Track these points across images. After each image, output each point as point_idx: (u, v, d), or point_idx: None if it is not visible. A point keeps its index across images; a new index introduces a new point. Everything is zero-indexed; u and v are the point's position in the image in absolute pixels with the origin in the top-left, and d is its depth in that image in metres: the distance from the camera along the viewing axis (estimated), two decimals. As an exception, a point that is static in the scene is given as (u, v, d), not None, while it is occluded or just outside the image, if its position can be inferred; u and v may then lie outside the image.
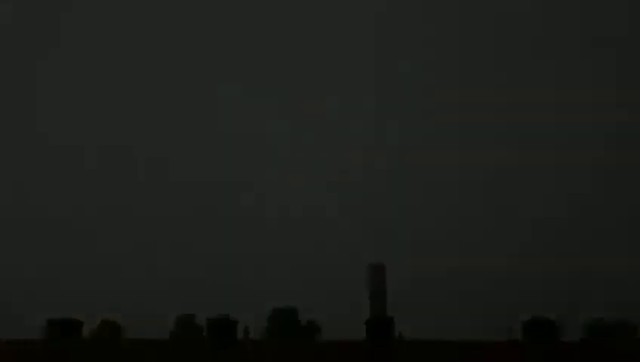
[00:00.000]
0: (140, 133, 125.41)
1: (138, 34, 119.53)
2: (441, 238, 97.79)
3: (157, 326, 55.44)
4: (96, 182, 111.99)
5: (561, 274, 77.23)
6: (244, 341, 26.08)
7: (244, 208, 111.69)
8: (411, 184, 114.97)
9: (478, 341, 23.33)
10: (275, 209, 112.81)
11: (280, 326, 62.35)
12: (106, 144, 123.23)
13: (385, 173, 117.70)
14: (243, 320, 25.91)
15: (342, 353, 22.46)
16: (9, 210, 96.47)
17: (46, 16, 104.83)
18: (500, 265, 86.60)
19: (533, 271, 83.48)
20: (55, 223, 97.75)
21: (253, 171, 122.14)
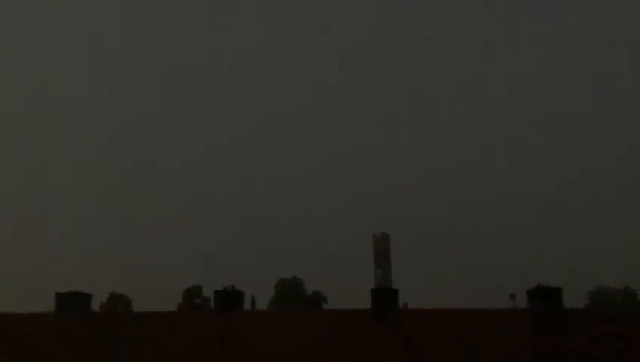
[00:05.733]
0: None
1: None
2: (443, 205, 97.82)
3: (165, 298, 56.15)
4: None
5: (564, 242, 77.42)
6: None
7: (252, 182, 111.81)
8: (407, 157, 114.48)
9: (482, 309, 23.48)
10: (282, 182, 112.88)
11: (286, 297, 63.01)
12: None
13: (386, 147, 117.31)
14: (249, 290, 26.10)
15: (347, 322, 22.68)
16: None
17: None
18: (503, 231, 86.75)
19: (537, 239, 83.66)
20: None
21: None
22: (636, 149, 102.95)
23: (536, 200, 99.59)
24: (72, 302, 24.41)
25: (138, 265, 77.83)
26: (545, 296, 23.39)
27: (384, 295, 24.77)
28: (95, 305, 28.71)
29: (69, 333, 22.39)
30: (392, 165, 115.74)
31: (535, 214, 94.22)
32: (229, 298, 24.64)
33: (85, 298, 25.30)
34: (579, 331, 21.63)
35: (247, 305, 25.89)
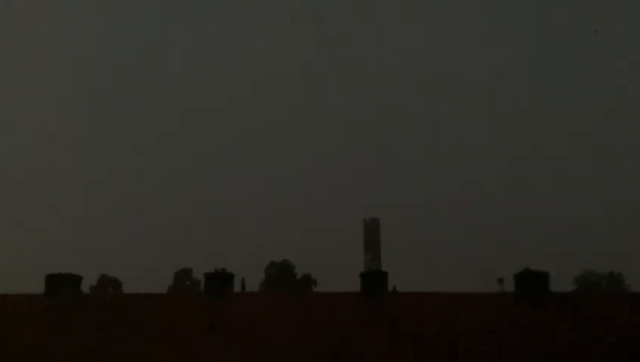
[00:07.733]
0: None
1: None
2: (433, 190, 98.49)
3: (155, 281, 56.25)
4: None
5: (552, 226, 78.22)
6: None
7: (243, 162, 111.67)
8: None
9: (469, 292, 23.71)
10: (274, 165, 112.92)
11: (276, 280, 63.33)
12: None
13: (376, 127, 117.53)
14: (240, 273, 26.17)
15: (336, 304, 22.84)
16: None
17: None
18: (493, 217, 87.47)
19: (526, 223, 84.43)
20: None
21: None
22: (616, 134, 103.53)
23: (524, 186, 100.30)
24: (61, 283, 24.35)
25: (128, 247, 77.80)
26: (532, 280, 23.64)
27: (373, 278, 24.94)
28: (85, 287, 28.64)
29: (58, 315, 22.38)
30: (383, 150, 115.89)
31: (523, 200, 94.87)
32: (220, 280, 24.71)
33: (75, 280, 25.24)
34: (566, 315, 21.91)
35: (237, 288, 25.94)
